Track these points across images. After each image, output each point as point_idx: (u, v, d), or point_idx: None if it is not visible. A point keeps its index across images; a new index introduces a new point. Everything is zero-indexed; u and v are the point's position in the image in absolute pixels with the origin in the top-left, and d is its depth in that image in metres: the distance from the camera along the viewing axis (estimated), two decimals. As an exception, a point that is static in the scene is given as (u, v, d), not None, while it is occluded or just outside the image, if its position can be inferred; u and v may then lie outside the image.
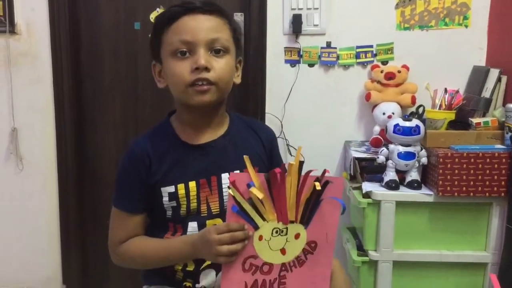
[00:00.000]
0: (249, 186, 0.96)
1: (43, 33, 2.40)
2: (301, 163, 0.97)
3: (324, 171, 1.00)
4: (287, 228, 1.00)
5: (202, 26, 1.09)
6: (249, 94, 2.37)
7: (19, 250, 2.57)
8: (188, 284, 1.18)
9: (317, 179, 0.99)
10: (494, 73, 2.06)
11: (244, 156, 0.98)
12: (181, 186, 1.14)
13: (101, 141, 2.55)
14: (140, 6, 2.44)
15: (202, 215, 1.16)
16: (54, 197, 2.52)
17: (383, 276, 1.92)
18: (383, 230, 1.89)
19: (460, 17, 2.26)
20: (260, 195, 0.96)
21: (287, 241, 1.00)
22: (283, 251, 1.01)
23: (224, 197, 1.16)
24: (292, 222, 1.00)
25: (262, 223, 0.99)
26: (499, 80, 2.03)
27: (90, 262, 2.62)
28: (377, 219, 1.89)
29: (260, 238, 0.99)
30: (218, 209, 1.16)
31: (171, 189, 1.14)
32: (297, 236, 1.00)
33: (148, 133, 1.22)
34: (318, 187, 0.98)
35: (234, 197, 0.97)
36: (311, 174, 0.98)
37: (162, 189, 1.14)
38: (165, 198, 1.15)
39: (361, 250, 1.98)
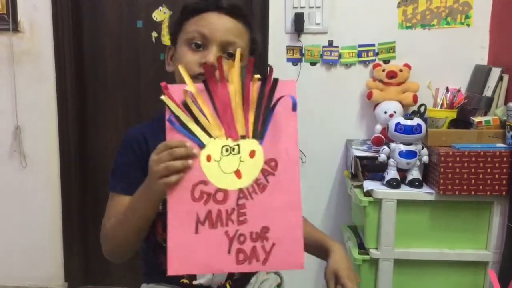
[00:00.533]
0: (186, 93, 0.86)
1: (46, 31, 2.41)
2: (242, 69, 0.88)
3: (271, 69, 0.90)
4: (238, 145, 0.88)
5: (223, 25, 1.09)
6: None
7: (22, 247, 2.58)
8: (185, 281, 1.18)
9: (263, 80, 0.88)
10: (496, 72, 2.06)
11: (179, 65, 0.92)
12: None
13: (104, 139, 2.56)
14: (142, 5, 2.45)
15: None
16: (57, 194, 2.53)
17: (384, 274, 1.93)
18: (384, 229, 1.89)
19: (462, 16, 2.26)
20: (193, 89, 0.86)
21: (240, 161, 0.88)
22: (237, 173, 0.88)
23: None
24: (243, 137, 0.88)
25: (208, 140, 0.88)
26: (500, 79, 2.03)
27: (92, 260, 2.63)
28: (378, 217, 1.90)
29: (209, 158, 0.87)
30: None
31: None
32: (252, 154, 0.88)
33: (146, 122, 1.23)
34: (258, 77, 0.87)
35: (170, 109, 0.87)
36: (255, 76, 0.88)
37: None
38: None
39: (362, 248, 1.99)
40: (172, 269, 0.88)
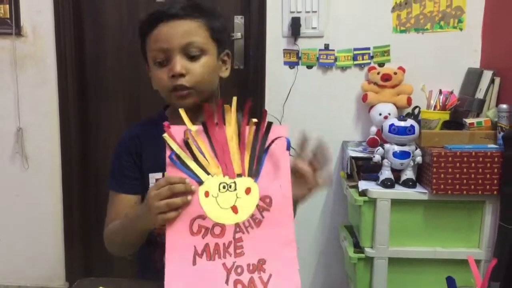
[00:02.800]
0: (187, 133, 0.92)
1: (48, 35, 2.46)
2: (238, 113, 0.94)
3: (265, 112, 0.96)
4: (235, 183, 0.93)
5: (176, 32, 1.11)
6: (248, 95, 2.42)
7: (24, 247, 2.62)
8: None
9: (257, 124, 0.94)
10: (487, 74, 2.11)
11: (179, 109, 0.96)
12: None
13: (105, 141, 2.60)
14: (143, 9, 2.49)
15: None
16: (59, 195, 2.57)
17: (378, 272, 1.97)
18: (379, 228, 1.94)
19: (455, 20, 2.31)
20: (193, 128, 0.91)
21: (237, 197, 0.92)
22: (234, 209, 0.92)
23: None
24: (239, 175, 0.93)
25: (206, 177, 0.92)
26: (492, 81, 2.08)
27: (93, 260, 2.67)
28: (373, 216, 1.94)
29: (207, 194, 0.92)
30: None
31: (159, 175, 1.17)
32: (247, 191, 0.92)
33: (142, 121, 1.28)
34: (254, 121, 0.93)
35: (170, 147, 0.92)
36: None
37: (150, 175, 1.18)
38: (152, 185, 1.17)
39: (358, 247, 2.03)
40: None
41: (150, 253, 1.23)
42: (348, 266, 2.16)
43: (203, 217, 0.91)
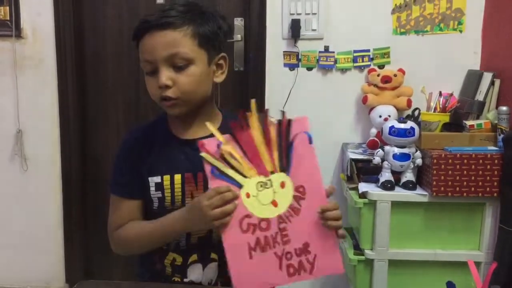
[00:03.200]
0: (219, 147, 1.01)
1: (48, 37, 2.46)
2: (260, 116, 1.01)
3: (283, 113, 1.04)
4: (270, 180, 1.02)
5: (158, 44, 1.11)
6: (248, 97, 2.42)
7: (23, 249, 2.62)
8: (176, 279, 1.21)
9: (279, 122, 1.02)
10: (487, 76, 2.11)
11: (206, 122, 1.04)
12: (166, 177, 1.18)
13: (104, 143, 2.60)
14: (142, 11, 2.49)
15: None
16: (58, 197, 2.57)
17: (378, 275, 1.96)
18: (379, 230, 1.93)
19: (455, 22, 2.31)
20: (228, 147, 1.00)
21: (274, 192, 1.02)
22: (274, 203, 1.02)
23: None
24: (272, 172, 1.02)
25: (244, 180, 1.02)
26: (492, 83, 2.08)
27: (93, 261, 2.67)
28: (373, 218, 1.94)
29: (248, 195, 1.02)
30: None
31: (158, 179, 1.18)
32: (282, 185, 1.02)
33: (143, 125, 1.28)
34: (275, 120, 1.01)
35: (209, 162, 1.00)
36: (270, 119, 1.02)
37: (150, 178, 1.18)
38: (152, 188, 1.18)
39: (358, 249, 2.03)
40: None
41: (150, 255, 1.23)
42: (348, 268, 2.15)
43: (249, 216, 1.01)
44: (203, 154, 1.01)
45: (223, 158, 1.01)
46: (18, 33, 2.45)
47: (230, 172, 1.01)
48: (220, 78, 1.21)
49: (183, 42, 1.11)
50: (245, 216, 1.01)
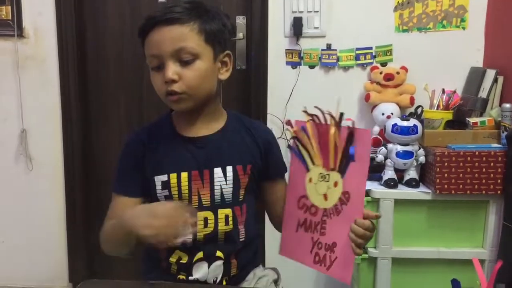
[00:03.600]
0: (303, 129, 1.12)
1: (50, 36, 2.46)
2: (341, 115, 1.08)
3: (353, 124, 1.09)
4: (329, 175, 1.09)
5: (165, 38, 1.12)
6: (251, 95, 2.42)
7: (27, 248, 2.62)
8: (181, 277, 1.21)
9: (350, 130, 1.07)
10: (490, 74, 2.10)
11: (302, 109, 1.13)
12: (173, 176, 1.18)
13: (107, 142, 2.60)
14: (145, 10, 2.49)
15: (193, 206, 1.18)
16: (61, 196, 2.57)
17: (382, 273, 1.97)
18: (382, 228, 1.93)
19: (458, 19, 2.30)
20: (310, 131, 1.11)
21: (328, 187, 1.09)
22: (325, 196, 1.10)
23: (216, 191, 1.19)
24: (333, 169, 1.08)
25: (312, 166, 1.11)
26: (495, 80, 2.07)
27: (96, 261, 2.67)
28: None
29: (310, 180, 1.12)
30: (209, 202, 1.19)
31: (164, 177, 1.18)
32: (335, 184, 1.08)
33: (147, 124, 1.29)
34: (348, 126, 1.05)
35: (295, 138, 1.13)
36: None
37: (156, 177, 1.19)
38: (158, 187, 1.19)
39: (361, 247, 2.03)
40: (282, 251, 1.19)
41: (155, 252, 1.24)
42: (351, 267, 2.15)
43: (306, 197, 1.13)
44: (291, 130, 1.13)
45: (302, 140, 1.12)
46: (20, 33, 2.44)
47: (304, 153, 1.12)
48: (224, 75, 1.22)
49: (190, 37, 1.12)
50: (303, 196, 1.13)
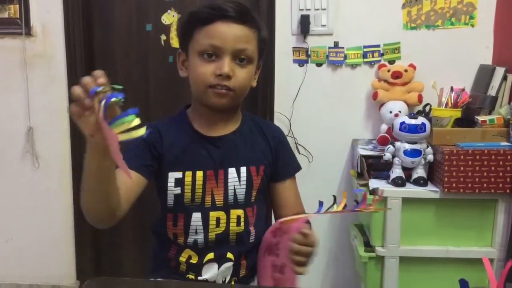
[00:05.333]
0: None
1: (58, 35, 2.47)
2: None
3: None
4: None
5: (233, 34, 1.13)
6: (258, 93, 2.41)
7: (34, 246, 2.63)
8: (191, 276, 1.21)
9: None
10: (500, 71, 2.08)
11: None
12: (188, 174, 1.18)
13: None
14: (152, 9, 2.50)
15: (206, 205, 1.19)
16: (69, 194, 2.58)
17: (389, 272, 1.95)
18: (390, 226, 1.92)
19: (466, 16, 2.28)
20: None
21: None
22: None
23: (229, 191, 1.20)
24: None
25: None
26: (504, 78, 2.05)
27: (103, 258, 2.68)
28: (384, 215, 1.92)
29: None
30: (222, 202, 1.20)
31: (179, 175, 1.18)
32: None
33: (163, 119, 1.28)
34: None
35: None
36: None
37: (170, 174, 1.18)
38: (171, 184, 1.18)
39: (368, 246, 2.02)
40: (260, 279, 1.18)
41: (165, 251, 1.24)
42: (358, 265, 2.14)
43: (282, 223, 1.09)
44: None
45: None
46: (28, 31, 2.45)
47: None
48: (254, 83, 1.25)
49: (252, 41, 1.16)
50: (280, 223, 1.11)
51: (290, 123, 2.38)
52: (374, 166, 2.04)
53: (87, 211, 1.07)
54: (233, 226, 1.20)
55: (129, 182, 1.07)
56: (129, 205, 1.11)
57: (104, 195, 1.01)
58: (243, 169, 1.21)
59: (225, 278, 1.22)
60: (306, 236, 1.00)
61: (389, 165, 1.98)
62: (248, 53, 1.15)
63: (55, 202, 2.60)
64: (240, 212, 1.20)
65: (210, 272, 1.21)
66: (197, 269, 1.21)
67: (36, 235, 2.62)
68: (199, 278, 1.21)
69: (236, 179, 1.20)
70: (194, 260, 1.21)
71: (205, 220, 1.19)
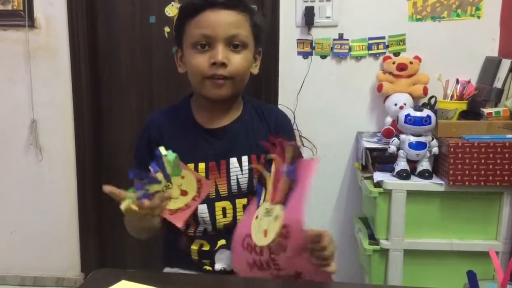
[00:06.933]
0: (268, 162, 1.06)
1: (61, 27, 2.46)
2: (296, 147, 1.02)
3: (298, 149, 1.04)
4: (273, 209, 1.01)
5: (223, 21, 1.13)
6: (262, 86, 2.40)
7: (39, 238, 2.64)
8: (208, 267, 1.21)
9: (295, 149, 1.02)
10: (506, 63, 2.06)
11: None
12: (190, 166, 1.17)
13: (118, 132, 2.61)
14: (155, 0, 2.49)
15: (211, 196, 1.19)
16: (73, 186, 2.59)
17: (394, 265, 1.95)
18: (394, 219, 1.92)
19: (473, 8, 2.26)
20: (267, 174, 1.04)
21: (269, 222, 1.00)
22: (265, 232, 1.00)
23: (232, 181, 1.20)
24: (278, 203, 1.00)
25: (262, 202, 1.04)
26: (511, 70, 2.03)
27: (108, 250, 2.69)
28: (388, 208, 1.92)
29: (256, 217, 1.03)
30: (226, 192, 1.20)
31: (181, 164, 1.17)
32: (276, 217, 0.99)
33: (166, 109, 1.28)
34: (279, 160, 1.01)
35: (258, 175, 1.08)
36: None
37: None
38: None
39: (373, 239, 2.01)
40: None
41: (175, 241, 1.24)
42: (363, 258, 2.14)
43: (250, 236, 1.02)
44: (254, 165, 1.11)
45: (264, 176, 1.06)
46: (31, 23, 2.45)
47: (263, 190, 1.05)
48: (255, 70, 1.24)
49: (244, 26, 1.15)
50: (247, 235, 1.03)
51: (294, 116, 2.37)
52: (379, 159, 2.04)
53: (133, 235, 1.21)
54: (240, 215, 1.20)
55: None
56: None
57: (147, 229, 1.15)
58: (245, 158, 1.20)
59: None
60: (321, 240, 0.98)
61: (394, 157, 1.97)
62: (241, 38, 1.14)
63: (59, 194, 2.60)
64: (245, 201, 1.20)
65: (223, 259, 1.20)
66: (210, 256, 1.21)
67: (41, 227, 2.63)
68: (217, 267, 1.20)
69: (238, 168, 1.20)
70: (206, 248, 1.21)
71: (211, 210, 1.19)
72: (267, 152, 1.22)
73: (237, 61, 1.14)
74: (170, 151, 0.97)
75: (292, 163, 1.00)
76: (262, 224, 1.01)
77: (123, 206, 0.95)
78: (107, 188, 0.95)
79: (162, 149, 0.97)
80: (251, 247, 1.02)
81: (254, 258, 1.02)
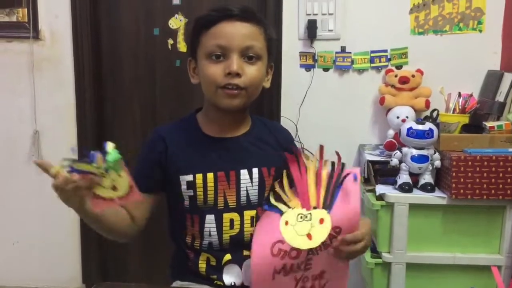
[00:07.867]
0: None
1: (66, 39, 2.48)
2: (321, 148, 1.09)
3: (339, 156, 1.08)
4: (311, 214, 1.04)
5: (238, 33, 1.14)
6: (264, 98, 2.41)
7: (40, 250, 2.64)
8: (218, 282, 1.20)
9: (333, 165, 1.07)
10: (508, 77, 2.07)
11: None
12: (199, 176, 1.18)
13: (121, 144, 2.58)
14: (159, 13, 2.51)
15: (219, 207, 1.19)
16: (75, 198, 2.58)
17: (396, 278, 1.94)
18: (397, 232, 1.91)
19: (475, 22, 2.27)
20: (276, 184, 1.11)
21: (311, 226, 1.03)
22: (309, 236, 1.03)
23: (241, 192, 1.20)
24: (315, 208, 1.05)
25: (286, 209, 1.07)
26: (513, 84, 2.04)
27: (109, 261, 2.68)
28: (391, 221, 1.91)
29: (286, 223, 1.05)
30: (235, 203, 1.20)
31: (190, 177, 1.18)
32: (321, 221, 1.03)
33: (172, 123, 1.28)
34: (329, 162, 1.06)
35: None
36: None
37: (181, 177, 1.19)
38: (184, 187, 1.19)
39: (375, 252, 2.00)
40: None
41: (185, 257, 1.24)
42: (365, 271, 2.13)
43: (282, 241, 1.03)
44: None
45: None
46: (36, 35, 2.47)
47: (273, 200, 1.10)
48: (267, 84, 1.26)
49: (258, 38, 1.17)
50: (278, 241, 1.04)
51: (296, 128, 2.38)
52: (381, 172, 2.04)
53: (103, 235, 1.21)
54: (247, 227, 1.20)
55: (140, 202, 1.16)
56: (145, 221, 1.24)
57: (109, 228, 1.18)
58: (255, 170, 1.21)
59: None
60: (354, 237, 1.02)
61: (396, 170, 1.97)
62: (256, 50, 1.16)
63: (61, 206, 2.58)
64: (253, 213, 1.21)
65: (232, 274, 1.20)
66: (217, 271, 1.21)
67: (43, 238, 2.63)
68: (228, 282, 1.20)
69: (248, 180, 1.20)
70: (213, 262, 1.21)
71: (219, 221, 1.19)
72: (278, 165, 1.23)
73: (251, 72, 1.15)
74: (116, 151, 1.00)
75: (342, 170, 1.07)
76: (300, 229, 1.04)
77: (53, 170, 0.97)
78: (37, 161, 0.97)
79: (109, 144, 0.99)
80: (285, 252, 1.03)
81: (285, 263, 1.04)
